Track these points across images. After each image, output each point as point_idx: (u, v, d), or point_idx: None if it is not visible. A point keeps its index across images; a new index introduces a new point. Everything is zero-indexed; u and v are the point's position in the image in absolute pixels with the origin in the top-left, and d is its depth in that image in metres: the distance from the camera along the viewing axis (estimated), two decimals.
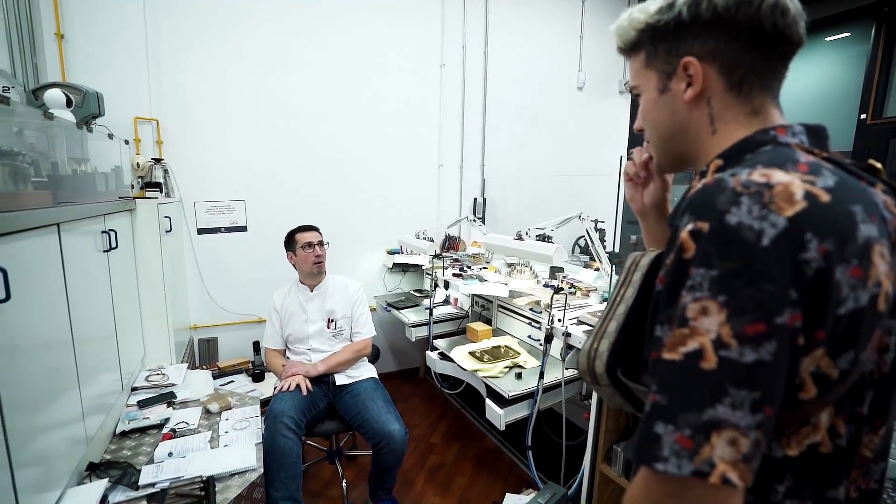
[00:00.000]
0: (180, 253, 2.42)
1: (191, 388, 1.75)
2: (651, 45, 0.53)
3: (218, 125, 2.49)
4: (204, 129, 2.46)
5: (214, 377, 2.13)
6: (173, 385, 1.75)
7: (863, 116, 3.01)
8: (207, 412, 1.62)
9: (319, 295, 2.00)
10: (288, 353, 2.02)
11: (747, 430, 0.37)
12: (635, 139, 3.86)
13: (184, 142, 2.42)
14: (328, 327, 1.98)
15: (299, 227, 2.01)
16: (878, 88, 2.94)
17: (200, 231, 2.52)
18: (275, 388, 1.87)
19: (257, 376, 2.37)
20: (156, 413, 1.57)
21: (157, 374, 1.80)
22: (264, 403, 1.87)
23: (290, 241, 2.00)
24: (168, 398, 1.66)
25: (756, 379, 0.37)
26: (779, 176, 0.40)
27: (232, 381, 2.31)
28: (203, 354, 2.59)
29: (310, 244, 1.95)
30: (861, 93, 3.01)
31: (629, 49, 0.56)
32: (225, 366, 2.46)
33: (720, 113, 0.50)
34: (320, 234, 2.01)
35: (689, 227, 0.41)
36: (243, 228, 2.61)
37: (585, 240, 2.45)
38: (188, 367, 1.94)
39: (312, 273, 1.97)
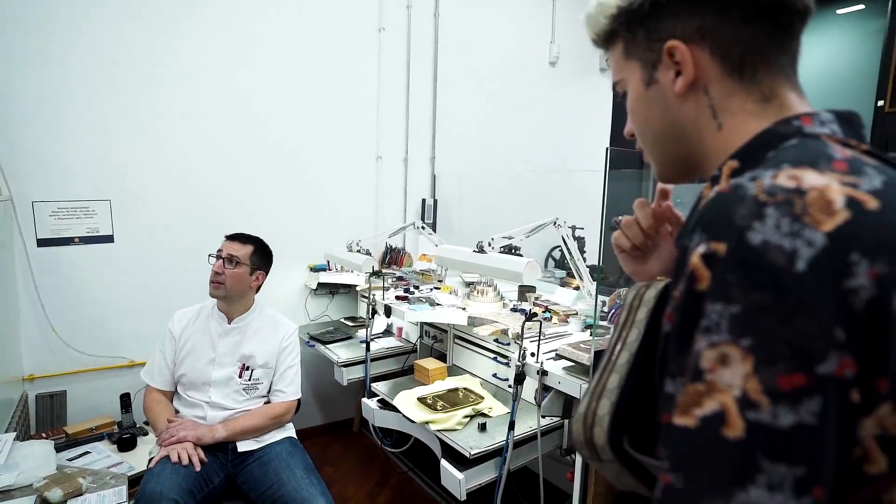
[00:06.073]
0: (8, 274, 2.29)
1: (20, 469, 1.60)
2: (627, 31, 0.56)
3: (72, 94, 2.36)
4: (50, 97, 2.32)
5: (59, 449, 2.04)
6: None
7: (880, 103, 3.19)
8: (45, 503, 1.48)
9: (238, 330, 1.95)
10: (176, 402, 1.94)
11: None
12: (619, 126, 4.04)
13: (17, 115, 2.26)
14: (240, 376, 1.92)
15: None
16: None
17: (42, 242, 2.40)
18: (150, 460, 1.76)
19: (125, 443, 2.25)
20: None
21: None
22: (135, 482, 1.77)
23: None
24: None
25: (798, 449, 0.36)
26: (811, 178, 0.41)
27: (87, 453, 2.19)
28: (43, 416, 2.45)
29: (217, 255, 1.91)
30: (878, 76, 3.18)
31: (604, 40, 0.61)
32: (76, 431, 2.32)
33: (723, 103, 0.53)
34: (245, 246, 1.93)
35: (701, 249, 0.41)
36: (108, 238, 2.53)
37: (561, 251, 2.50)
38: (17, 438, 1.80)
39: (223, 296, 1.90)
